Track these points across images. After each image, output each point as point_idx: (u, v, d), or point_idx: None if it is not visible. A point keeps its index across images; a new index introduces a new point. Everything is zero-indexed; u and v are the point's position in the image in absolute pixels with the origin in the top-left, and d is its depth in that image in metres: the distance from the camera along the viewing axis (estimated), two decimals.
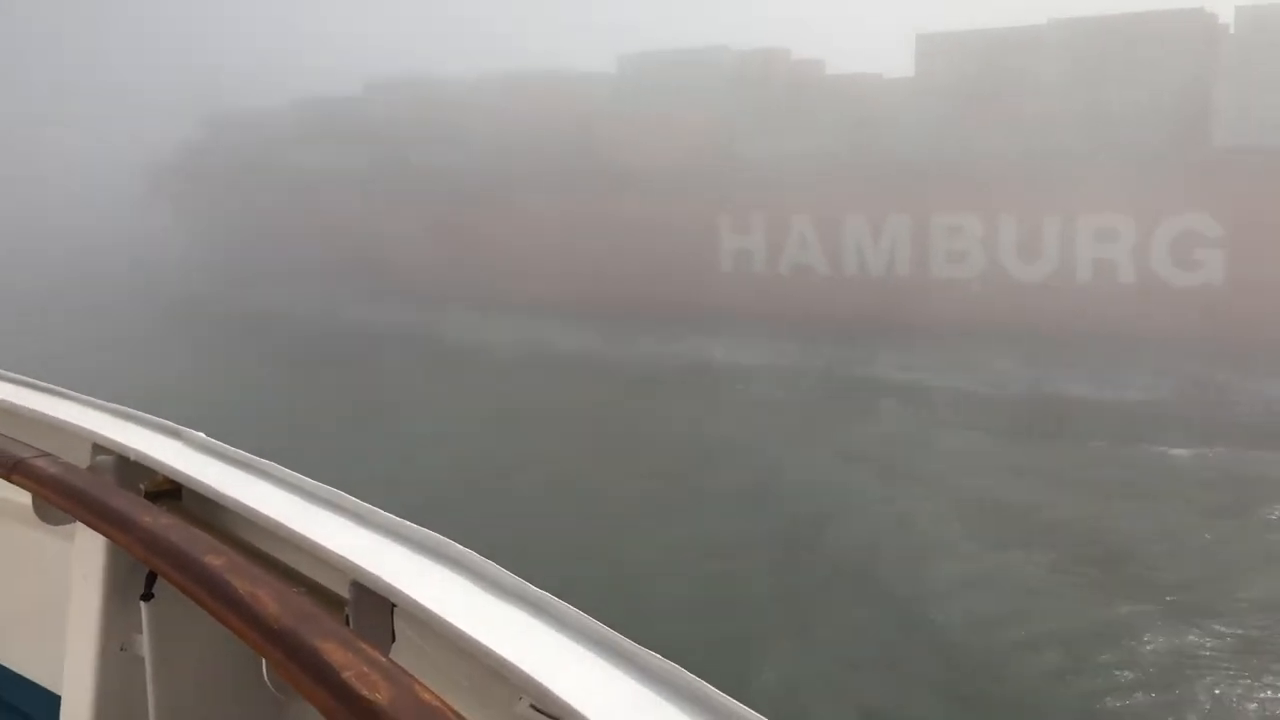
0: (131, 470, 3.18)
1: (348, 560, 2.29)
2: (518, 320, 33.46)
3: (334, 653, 1.85)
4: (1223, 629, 13.19)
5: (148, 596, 2.98)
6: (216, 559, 2.27)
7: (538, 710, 1.92)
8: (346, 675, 1.77)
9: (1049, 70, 27.90)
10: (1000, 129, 28.03)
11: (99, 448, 3.30)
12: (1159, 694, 11.86)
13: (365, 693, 1.72)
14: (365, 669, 1.79)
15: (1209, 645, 12.85)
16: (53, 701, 3.37)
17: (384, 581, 2.19)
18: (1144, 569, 15.15)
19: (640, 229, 32.88)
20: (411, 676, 1.79)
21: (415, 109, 40.89)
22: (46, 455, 3.07)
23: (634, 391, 27.00)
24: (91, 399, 3.71)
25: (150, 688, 3.02)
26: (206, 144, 50.04)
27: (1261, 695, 11.72)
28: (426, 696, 1.72)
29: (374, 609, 2.32)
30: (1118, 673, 12.32)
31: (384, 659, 1.85)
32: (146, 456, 3.09)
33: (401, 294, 37.53)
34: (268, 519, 2.56)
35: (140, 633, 3.05)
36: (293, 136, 45.17)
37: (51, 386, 3.90)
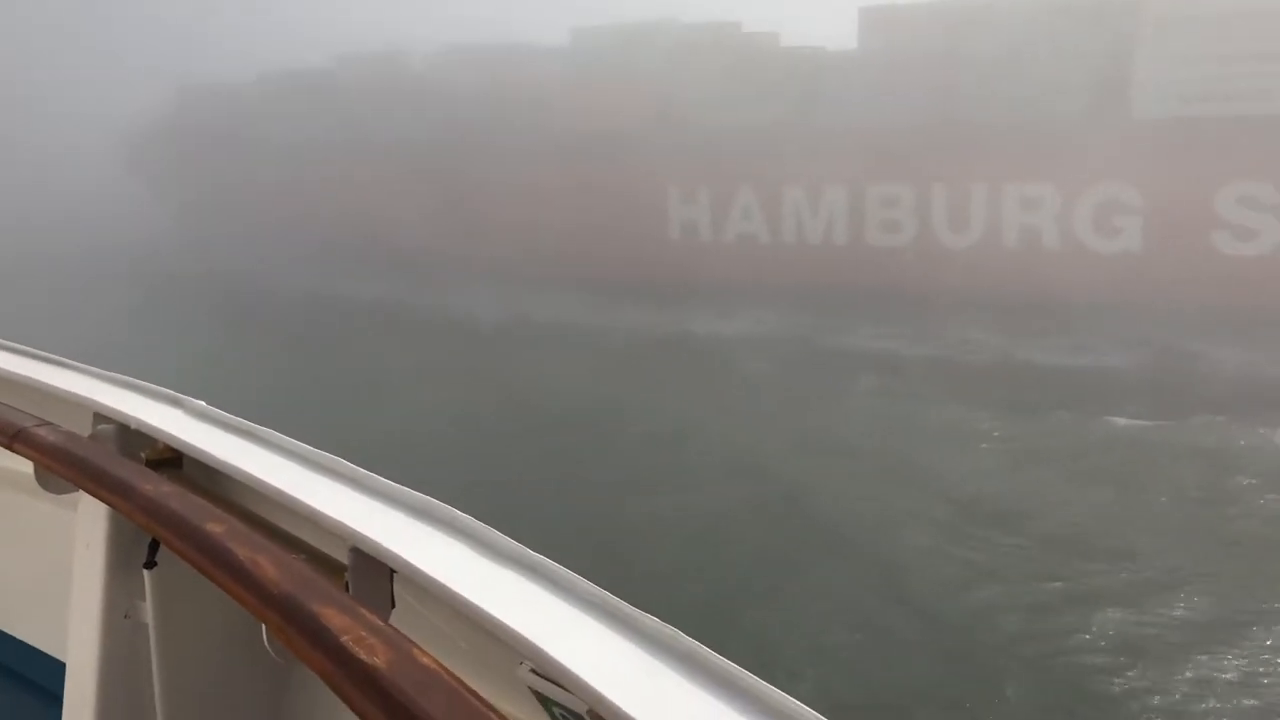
0: (132, 439, 3.20)
1: (347, 526, 2.32)
2: (482, 287, 34.36)
3: (333, 618, 1.86)
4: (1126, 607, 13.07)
5: (150, 564, 3.01)
6: (217, 526, 2.28)
7: (538, 674, 1.95)
8: (345, 639, 1.79)
9: (983, 43, 28.68)
10: (938, 100, 28.86)
11: (100, 416, 3.31)
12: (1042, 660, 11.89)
13: (363, 656, 1.73)
14: (364, 633, 1.80)
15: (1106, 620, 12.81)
16: (58, 669, 3.39)
17: (383, 547, 2.22)
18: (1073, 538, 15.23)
19: (592, 197, 33.68)
20: (410, 641, 1.80)
21: (382, 81, 41.61)
22: (48, 424, 3.05)
23: (584, 353, 27.65)
24: (92, 368, 3.69)
25: (154, 654, 3.06)
26: (179, 115, 50.56)
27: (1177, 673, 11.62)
28: (425, 660, 1.73)
29: (373, 575, 2.34)
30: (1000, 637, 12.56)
31: (382, 624, 1.86)
32: (147, 425, 3.10)
33: (364, 260, 38.35)
34: (268, 486, 2.59)
35: (144, 600, 3.08)
36: (262, 108, 45.82)
37: (52, 356, 3.89)
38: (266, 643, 2.41)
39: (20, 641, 4.01)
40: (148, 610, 3.06)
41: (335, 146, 41.85)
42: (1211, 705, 11.14)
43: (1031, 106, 27.05)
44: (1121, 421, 20.54)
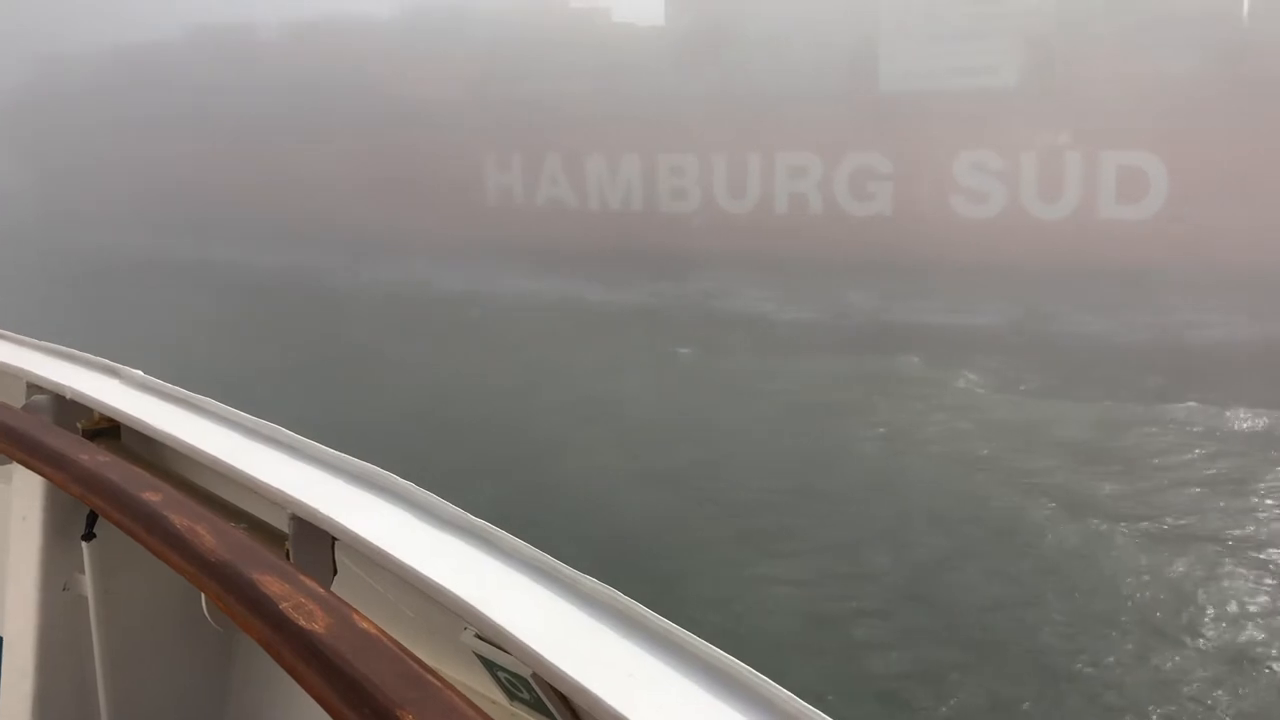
0: (68, 409, 3.14)
1: (287, 494, 2.31)
2: (303, 248, 35.90)
3: (272, 585, 1.85)
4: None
5: (89, 536, 2.97)
6: (154, 495, 2.25)
7: (481, 639, 1.97)
8: (284, 607, 1.77)
9: (763, 22, 30.63)
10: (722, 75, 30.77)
11: (34, 387, 3.25)
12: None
13: (303, 623, 1.72)
14: (303, 600, 1.79)
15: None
16: None
17: (323, 515, 2.22)
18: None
19: (414, 164, 35.12)
20: (349, 606, 1.80)
21: (229, 54, 42.44)
22: None
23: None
24: (25, 338, 3.63)
25: (94, 626, 3.03)
26: (36, 89, 50.69)
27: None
28: (365, 625, 1.73)
29: (314, 542, 2.34)
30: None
31: (322, 590, 1.86)
32: (83, 395, 3.05)
33: (196, 227, 39.44)
34: (207, 455, 2.56)
35: (82, 572, 3.04)
36: (115, 82, 46.27)
37: None
38: (206, 611, 2.48)
39: None
40: (86, 582, 3.03)
41: (184, 119, 42.59)
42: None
43: (799, 81, 29.06)
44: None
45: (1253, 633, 11.49)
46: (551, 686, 1.81)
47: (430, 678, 1.59)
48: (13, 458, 2.69)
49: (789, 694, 1.53)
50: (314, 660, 1.65)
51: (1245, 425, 18.70)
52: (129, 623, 3.08)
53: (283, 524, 2.40)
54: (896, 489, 15.89)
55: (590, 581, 1.89)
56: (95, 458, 2.49)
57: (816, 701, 1.51)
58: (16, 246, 42.82)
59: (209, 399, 2.96)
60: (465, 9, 37.51)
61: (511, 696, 2.07)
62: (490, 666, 2.06)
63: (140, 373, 3.22)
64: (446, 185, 34.95)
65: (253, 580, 1.88)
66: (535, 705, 1.98)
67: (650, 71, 32.33)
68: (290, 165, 38.69)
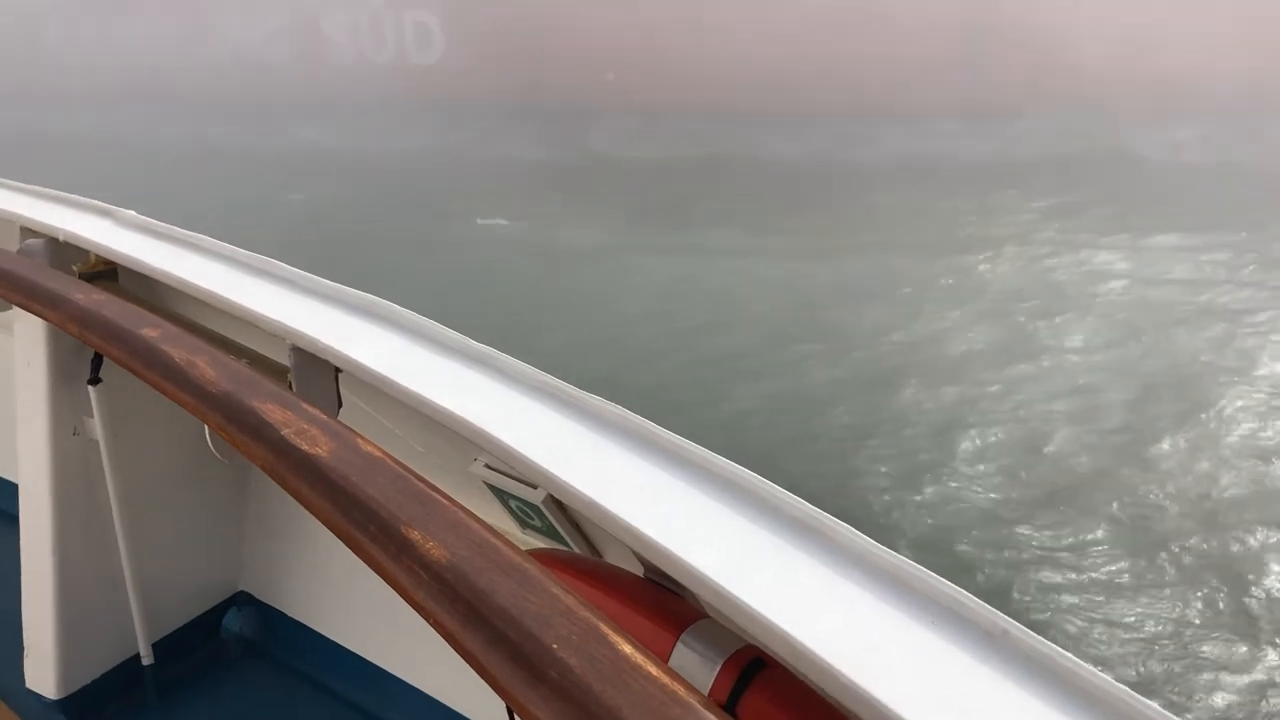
0: (63, 252, 3.15)
1: (287, 326, 2.30)
2: None
3: (273, 412, 1.83)
4: None
5: (95, 380, 3.03)
6: (152, 331, 2.22)
7: (493, 469, 2.03)
8: (286, 432, 1.76)
9: None
10: None
11: (27, 230, 3.24)
12: None
13: (305, 448, 1.70)
14: (305, 426, 1.78)
15: None
16: (10, 489, 3.44)
17: (324, 344, 2.21)
18: None
19: None
20: (353, 431, 1.77)
21: None
22: None
23: None
24: (14, 182, 3.59)
25: (106, 467, 3.14)
26: None
27: None
28: (368, 448, 1.71)
29: (317, 373, 2.35)
30: None
31: (325, 416, 1.83)
32: (78, 237, 3.04)
33: None
34: (205, 291, 2.57)
35: (91, 416, 3.12)
36: None
37: None
38: (210, 443, 2.64)
39: None
40: (96, 426, 3.11)
41: None
42: None
43: None
44: None
45: None
46: (562, 509, 1.96)
47: (436, 495, 1.56)
48: (12, 302, 2.62)
49: (797, 499, 1.58)
50: (318, 483, 1.64)
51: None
52: (141, 463, 3.21)
53: (283, 357, 2.41)
54: None
55: (596, 400, 1.92)
56: (91, 297, 2.40)
57: None
58: None
59: (205, 236, 2.94)
60: None
61: (524, 525, 2.19)
62: (502, 496, 2.16)
63: (134, 213, 3.20)
64: None
65: (254, 408, 1.84)
66: (548, 532, 2.11)
67: None
68: None
